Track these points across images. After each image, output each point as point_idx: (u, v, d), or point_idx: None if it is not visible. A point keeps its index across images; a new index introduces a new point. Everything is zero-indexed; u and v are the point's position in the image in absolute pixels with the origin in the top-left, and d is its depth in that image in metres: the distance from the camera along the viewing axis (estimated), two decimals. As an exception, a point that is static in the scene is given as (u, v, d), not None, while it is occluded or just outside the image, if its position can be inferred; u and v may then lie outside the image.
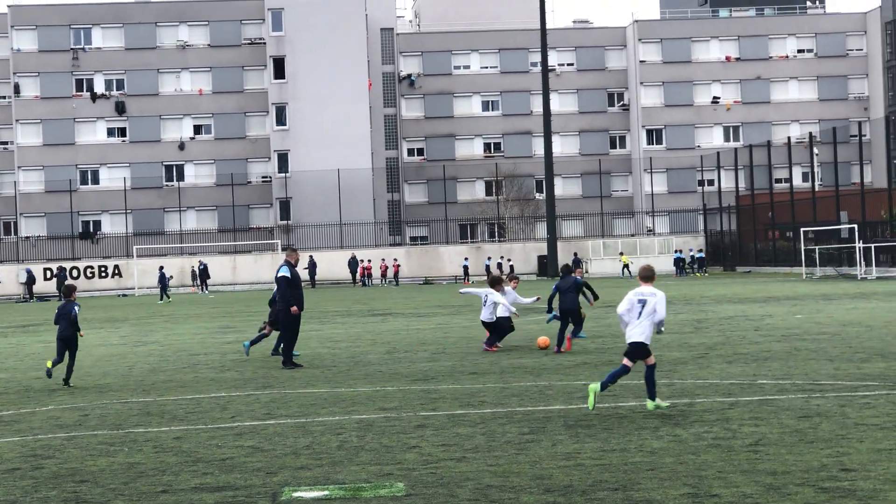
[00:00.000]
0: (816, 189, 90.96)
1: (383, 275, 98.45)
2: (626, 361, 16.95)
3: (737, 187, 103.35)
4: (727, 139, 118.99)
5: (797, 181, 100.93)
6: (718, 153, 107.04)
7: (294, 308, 25.85)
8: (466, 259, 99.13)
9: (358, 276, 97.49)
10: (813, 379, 20.36)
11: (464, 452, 14.08)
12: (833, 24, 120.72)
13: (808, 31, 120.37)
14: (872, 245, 73.92)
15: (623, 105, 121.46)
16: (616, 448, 14.03)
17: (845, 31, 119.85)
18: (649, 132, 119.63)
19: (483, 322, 28.76)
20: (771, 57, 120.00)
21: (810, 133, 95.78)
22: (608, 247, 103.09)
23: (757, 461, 12.90)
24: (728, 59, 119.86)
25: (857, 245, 74.04)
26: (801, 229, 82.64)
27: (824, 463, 12.66)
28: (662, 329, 17.30)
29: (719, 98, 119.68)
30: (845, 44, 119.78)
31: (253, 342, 28.80)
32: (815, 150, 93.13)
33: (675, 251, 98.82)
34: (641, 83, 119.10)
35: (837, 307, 42.06)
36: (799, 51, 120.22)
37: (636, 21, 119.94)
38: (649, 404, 16.97)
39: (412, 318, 44.45)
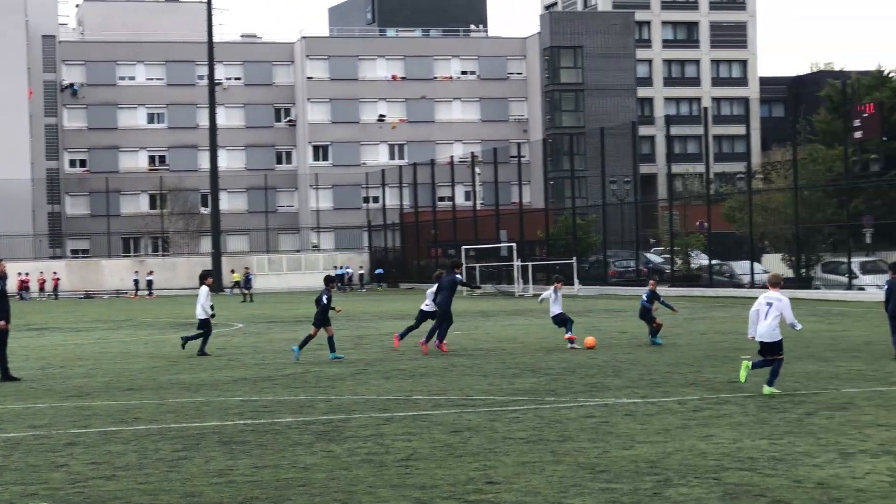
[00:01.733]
0: (478, 208, 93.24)
1: (41, 288, 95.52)
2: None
3: (401, 205, 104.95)
4: (392, 157, 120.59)
5: (459, 200, 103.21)
6: (383, 171, 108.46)
7: (2, 322, 24.64)
8: (137, 273, 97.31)
9: (16, 289, 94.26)
10: (466, 394, 20.84)
11: (114, 470, 13.80)
12: (495, 47, 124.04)
13: (472, 53, 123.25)
14: (530, 263, 76.24)
15: (290, 121, 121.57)
16: (269, 464, 14.02)
17: (506, 56, 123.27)
18: (316, 148, 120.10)
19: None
20: (436, 77, 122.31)
21: (472, 153, 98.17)
22: (273, 262, 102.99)
23: (407, 475, 13.11)
24: (394, 77, 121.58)
25: (515, 263, 76.23)
26: (463, 247, 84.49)
27: (471, 476, 12.97)
28: (798, 327, 20.53)
29: (385, 116, 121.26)
30: (506, 67, 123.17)
31: None
32: (477, 170, 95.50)
33: (338, 267, 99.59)
34: (308, 99, 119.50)
35: (494, 324, 43.18)
36: (462, 72, 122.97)
37: (304, 37, 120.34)
38: (766, 389, 19.76)
39: (70, 333, 43.35)
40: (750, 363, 20.16)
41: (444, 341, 30.17)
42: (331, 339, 28.89)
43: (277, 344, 34.49)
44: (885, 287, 26.12)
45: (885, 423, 16.32)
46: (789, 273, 67.06)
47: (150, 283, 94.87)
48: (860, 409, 17.73)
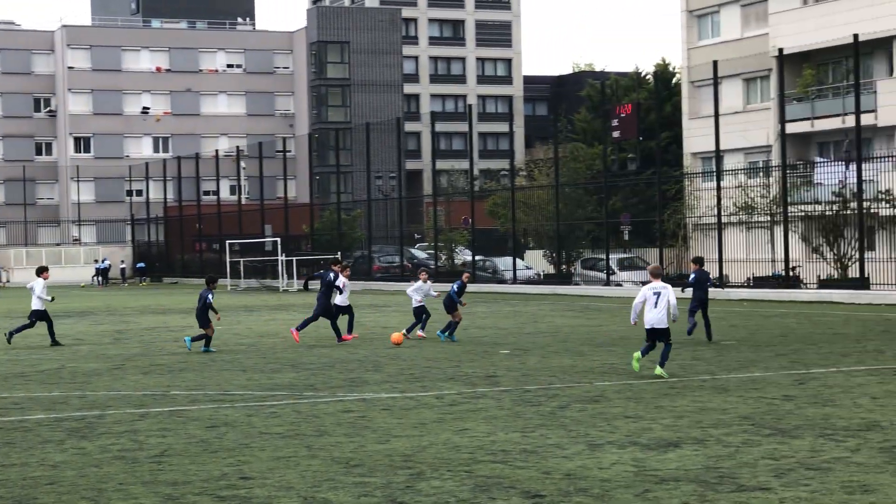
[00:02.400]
0: (243, 202, 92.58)
1: None
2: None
3: (165, 198, 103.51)
4: (157, 150, 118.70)
5: (224, 194, 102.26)
6: (147, 164, 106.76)
7: None
8: None
9: None
10: (225, 389, 20.69)
11: None
12: (261, 41, 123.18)
13: (238, 46, 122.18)
14: (294, 258, 76.05)
15: (50, 111, 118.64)
16: (17, 462, 13.68)
17: (273, 49, 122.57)
18: (77, 140, 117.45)
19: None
20: (201, 70, 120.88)
21: (238, 147, 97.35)
22: (31, 255, 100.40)
23: (160, 472, 12.95)
24: (159, 69, 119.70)
25: (279, 258, 75.94)
26: (228, 241, 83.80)
27: (225, 472, 12.88)
28: (676, 314, 21.31)
29: (149, 108, 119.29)
30: (273, 61, 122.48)
31: None
32: (243, 164, 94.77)
33: (98, 260, 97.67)
34: (70, 89, 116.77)
35: (257, 319, 42.96)
36: (228, 65, 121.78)
37: (65, 26, 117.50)
38: (657, 370, 21.09)
39: None
40: (640, 352, 21.59)
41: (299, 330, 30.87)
42: (208, 338, 28.62)
43: (32, 339, 33.60)
44: (692, 277, 29.53)
45: (633, 414, 16.79)
46: (550, 269, 68.49)
47: None
48: (610, 402, 18.19)
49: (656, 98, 66.55)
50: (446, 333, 30.65)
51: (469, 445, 14.36)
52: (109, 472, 13.01)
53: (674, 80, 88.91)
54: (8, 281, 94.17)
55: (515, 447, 14.19)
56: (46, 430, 16.20)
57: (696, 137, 72.44)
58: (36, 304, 31.68)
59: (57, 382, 22.34)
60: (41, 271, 32.40)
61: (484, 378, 21.81)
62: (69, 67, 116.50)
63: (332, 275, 31.11)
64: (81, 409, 18.46)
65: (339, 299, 31.26)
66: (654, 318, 21.18)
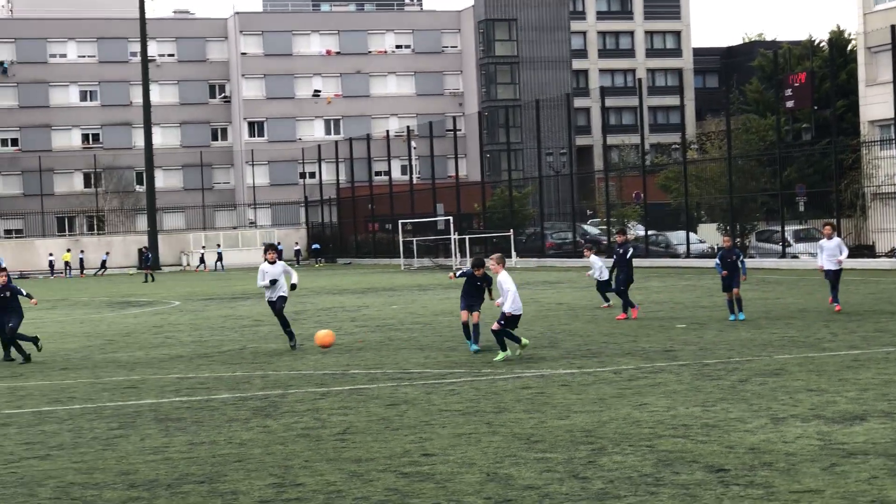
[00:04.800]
0: (414, 182, 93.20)
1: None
2: None
3: (337, 180, 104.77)
4: (328, 132, 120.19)
5: (396, 174, 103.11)
6: (319, 146, 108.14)
7: None
8: (83, 252, 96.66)
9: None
10: (403, 368, 20.87)
11: (48, 450, 13.73)
12: (429, 21, 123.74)
13: (406, 27, 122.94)
14: (467, 236, 76.33)
15: (224, 97, 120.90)
16: (205, 441, 13.99)
17: (441, 29, 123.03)
18: (251, 124, 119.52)
19: None
20: (370, 52, 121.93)
21: (408, 127, 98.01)
22: (209, 239, 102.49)
23: (343, 449, 13.13)
24: (329, 52, 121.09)
25: (452, 236, 76.28)
26: (400, 221, 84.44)
27: (407, 448, 13.01)
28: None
29: (320, 91, 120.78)
30: (441, 41, 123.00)
31: None
32: (413, 144, 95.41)
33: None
34: (243, 75, 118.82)
35: (431, 297, 43.23)
36: (397, 46, 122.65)
37: (237, 13, 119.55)
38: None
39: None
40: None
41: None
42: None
43: (214, 321, 34.34)
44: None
45: (815, 388, 16.51)
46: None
47: (81, 261, 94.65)
48: (792, 375, 17.91)
49: (831, 66, 65.10)
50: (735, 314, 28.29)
51: (649, 420, 14.28)
52: (295, 449, 13.23)
53: (849, 47, 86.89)
54: (203, 264, 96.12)
55: (696, 421, 14.06)
56: (232, 409, 16.54)
57: (873, 105, 70.68)
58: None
59: (239, 363, 22.79)
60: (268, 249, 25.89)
61: (661, 352, 21.66)
62: (242, 53, 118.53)
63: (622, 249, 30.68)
64: (264, 388, 18.81)
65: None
66: None
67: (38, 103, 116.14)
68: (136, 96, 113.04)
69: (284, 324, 25.47)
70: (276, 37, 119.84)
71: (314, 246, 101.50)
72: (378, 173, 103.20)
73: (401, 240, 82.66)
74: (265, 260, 25.40)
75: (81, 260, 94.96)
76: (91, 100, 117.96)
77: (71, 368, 22.78)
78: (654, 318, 29.37)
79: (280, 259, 26.12)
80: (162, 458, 12.95)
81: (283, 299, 25.35)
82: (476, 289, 22.97)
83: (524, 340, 21.44)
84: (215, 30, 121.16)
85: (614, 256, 30.77)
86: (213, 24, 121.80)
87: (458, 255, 75.15)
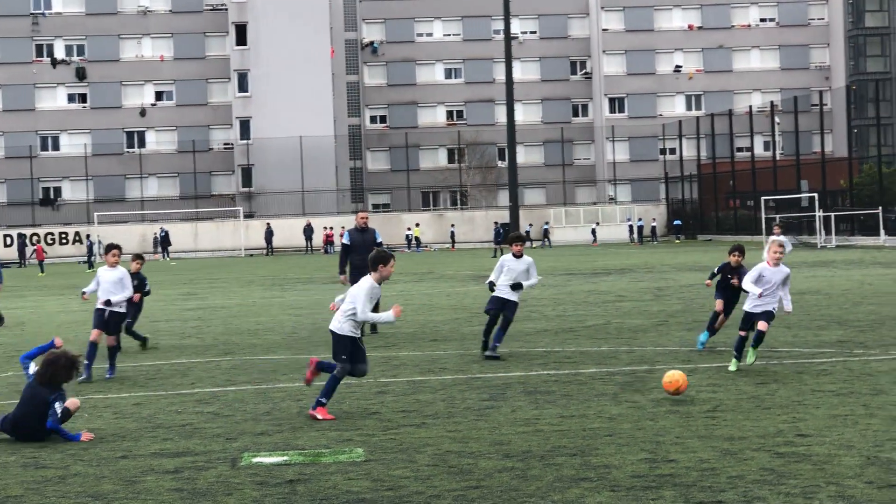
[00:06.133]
0: (777, 158, 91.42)
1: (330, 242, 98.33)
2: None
3: (698, 156, 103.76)
4: (689, 108, 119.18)
5: (758, 150, 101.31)
6: (680, 122, 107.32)
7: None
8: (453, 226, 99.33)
9: (321, 242, 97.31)
10: (771, 346, 20.46)
11: (423, 419, 14.11)
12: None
13: (771, 0, 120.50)
14: (832, 214, 74.34)
15: (585, 73, 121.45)
16: (575, 414, 14.10)
17: (807, 1, 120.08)
18: (611, 100, 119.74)
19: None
20: (733, 26, 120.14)
21: (772, 102, 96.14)
22: (570, 215, 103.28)
23: (714, 427, 12.99)
24: (690, 27, 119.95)
25: (817, 214, 74.45)
26: (762, 198, 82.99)
27: (780, 428, 12.76)
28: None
29: (681, 67, 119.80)
30: (807, 13, 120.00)
31: None
32: (777, 119, 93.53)
33: (631, 219, 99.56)
34: (604, 51, 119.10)
35: (796, 275, 42.26)
36: (761, 20, 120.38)
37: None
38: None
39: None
40: None
41: None
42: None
43: (577, 296, 34.59)
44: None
45: None
46: None
47: (452, 234, 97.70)
48: None
49: None
50: None
51: None
52: (665, 425, 13.17)
53: None
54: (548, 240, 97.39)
55: None
56: (599, 384, 16.60)
57: None
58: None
59: (605, 337, 22.86)
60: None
61: None
62: (603, 30, 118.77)
63: None
64: (630, 363, 18.81)
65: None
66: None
67: (405, 81, 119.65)
68: (499, 73, 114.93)
69: None
70: (638, 12, 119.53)
71: (675, 222, 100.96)
72: (740, 149, 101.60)
73: (763, 216, 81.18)
74: (512, 254, 20.58)
75: (452, 234, 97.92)
76: (455, 77, 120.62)
77: (440, 340, 23.37)
78: None
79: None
80: (533, 430, 13.12)
81: None
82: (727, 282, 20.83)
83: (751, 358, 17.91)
84: (577, 6, 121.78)
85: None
86: (575, 1, 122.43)
87: (823, 232, 73.23)
